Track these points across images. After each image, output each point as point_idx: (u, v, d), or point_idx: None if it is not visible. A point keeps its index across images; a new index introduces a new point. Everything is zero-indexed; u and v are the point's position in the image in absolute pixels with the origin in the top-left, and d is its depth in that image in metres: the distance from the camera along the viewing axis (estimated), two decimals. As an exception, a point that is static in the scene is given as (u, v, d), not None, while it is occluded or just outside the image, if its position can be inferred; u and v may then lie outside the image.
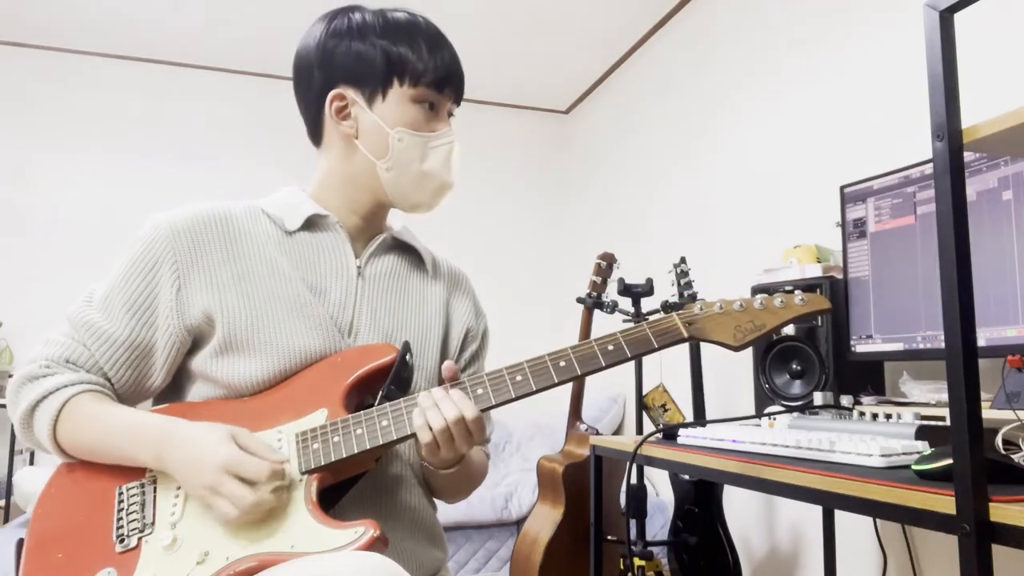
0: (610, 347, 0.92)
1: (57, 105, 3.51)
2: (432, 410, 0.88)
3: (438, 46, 1.03)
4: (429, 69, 1.01)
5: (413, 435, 0.89)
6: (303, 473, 0.88)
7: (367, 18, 1.02)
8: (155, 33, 3.38)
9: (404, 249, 1.12)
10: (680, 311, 0.94)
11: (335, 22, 1.03)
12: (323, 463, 0.88)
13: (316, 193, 1.07)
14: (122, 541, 0.86)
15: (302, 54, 1.05)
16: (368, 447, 0.88)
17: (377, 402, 0.93)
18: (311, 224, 1.05)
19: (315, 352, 0.97)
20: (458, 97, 1.07)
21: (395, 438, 0.89)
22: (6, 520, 2.92)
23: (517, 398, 0.90)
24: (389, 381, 0.94)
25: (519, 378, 0.91)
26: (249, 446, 0.86)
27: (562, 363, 0.91)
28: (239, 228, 1.00)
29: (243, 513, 0.82)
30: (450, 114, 1.08)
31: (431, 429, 0.87)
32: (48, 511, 0.90)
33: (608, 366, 0.91)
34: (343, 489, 0.94)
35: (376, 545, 0.80)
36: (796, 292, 0.94)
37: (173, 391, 1.02)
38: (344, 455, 0.88)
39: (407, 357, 0.98)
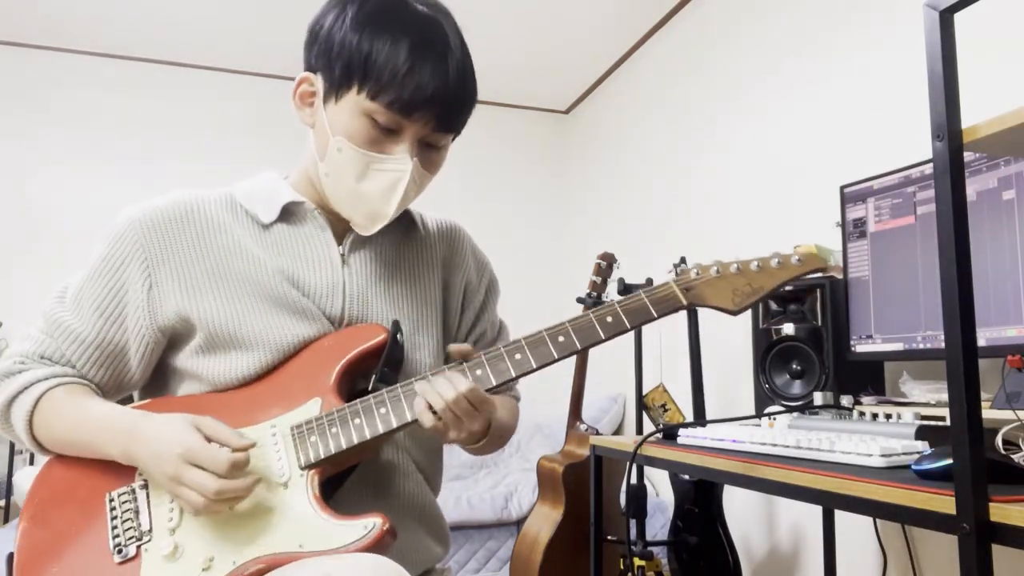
0: (608, 319, 0.88)
1: (57, 105, 3.51)
2: (431, 393, 0.84)
3: (424, 61, 0.86)
4: (394, 87, 0.86)
5: (414, 421, 0.86)
6: (303, 468, 0.85)
7: (383, 2, 0.89)
8: (155, 33, 3.38)
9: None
10: (676, 278, 0.90)
11: None
12: (323, 456, 0.85)
13: (296, 179, 1.02)
14: (120, 551, 0.83)
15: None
16: (368, 436, 0.85)
17: (371, 387, 0.90)
18: (288, 213, 0.99)
19: (306, 341, 0.94)
20: (446, 126, 0.91)
21: (395, 426, 0.86)
22: (6, 520, 2.92)
23: (517, 377, 0.88)
24: (382, 363, 0.91)
25: (518, 356, 0.87)
26: (213, 434, 0.83)
27: (560, 338, 0.87)
28: (212, 220, 0.96)
29: (210, 502, 0.79)
30: (430, 145, 0.93)
31: (434, 413, 0.84)
32: (36, 523, 0.87)
33: (608, 338, 0.87)
34: (341, 478, 0.92)
35: (385, 539, 0.79)
36: (793, 252, 0.90)
37: (160, 385, 0.99)
38: (344, 447, 0.85)
39: (398, 336, 0.94)
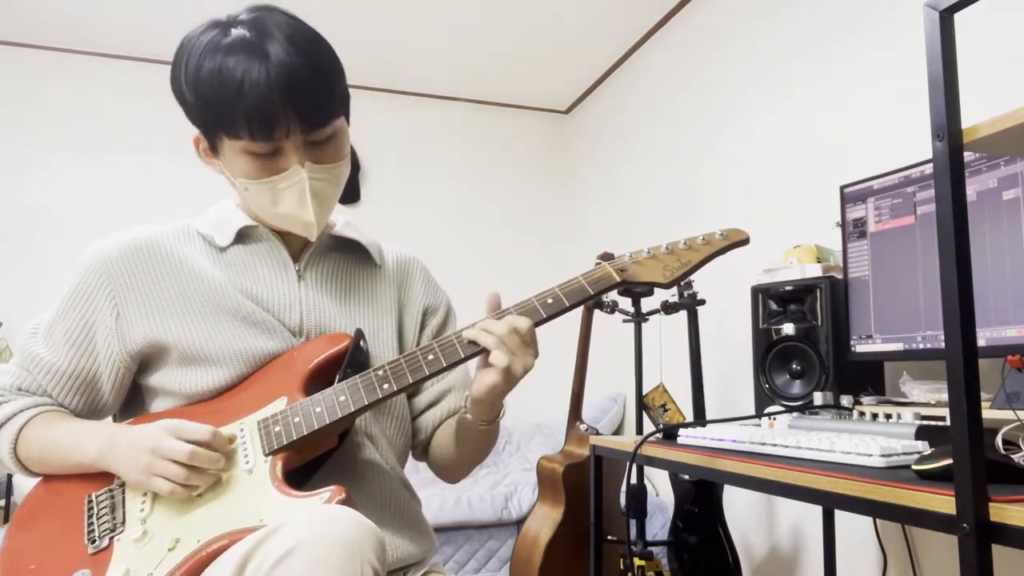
0: (549, 300, 0.96)
1: (58, 105, 3.51)
2: (484, 326, 0.92)
3: (254, 88, 0.87)
4: (243, 122, 0.89)
5: (374, 403, 0.91)
6: (267, 455, 0.90)
7: (196, 51, 0.91)
8: (155, 33, 3.38)
9: (348, 246, 1.11)
10: (611, 261, 0.99)
11: (189, 42, 0.93)
12: (285, 443, 0.90)
13: (247, 206, 1.05)
14: (94, 543, 0.87)
15: None
16: (328, 422, 0.90)
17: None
18: (243, 237, 1.04)
19: (271, 354, 0.99)
20: (311, 123, 0.92)
21: (353, 410, 0.91)
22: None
23: (466, 358, 0.94)
24: (345, 365, 0.97)
25: (468, 340, 0.94)
26: (180, 431, 0.88)
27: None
28: (171, 250, 1.01)
29: (186, 463, 0.84)
30: (316, 143, 0.95)
31: (492, 335, 0.91)
32: (18, 530, 0.92)
33: (549, 317, 0.95)
34: (310, 471, 0.96)
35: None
36: (717, 230, 1.00)
37: (136, 405, 1.04)
38: (305, 432, 0.90)
39: (360, 343, 1.00)
